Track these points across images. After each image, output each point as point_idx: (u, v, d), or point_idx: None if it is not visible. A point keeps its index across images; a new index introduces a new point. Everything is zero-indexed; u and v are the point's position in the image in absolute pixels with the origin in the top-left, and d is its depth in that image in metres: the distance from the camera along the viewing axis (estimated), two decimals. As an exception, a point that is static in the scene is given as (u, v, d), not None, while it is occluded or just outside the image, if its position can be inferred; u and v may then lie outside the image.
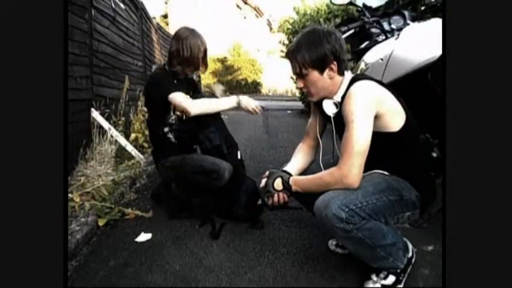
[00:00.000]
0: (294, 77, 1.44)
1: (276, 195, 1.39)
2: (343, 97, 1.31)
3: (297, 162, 1.51)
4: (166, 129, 1.98)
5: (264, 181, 1.43)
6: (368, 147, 1.20)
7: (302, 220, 1.96)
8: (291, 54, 1.34)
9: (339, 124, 1.31)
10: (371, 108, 1.22)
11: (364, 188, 1.22)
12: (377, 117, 1.24)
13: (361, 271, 1.40)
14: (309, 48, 1.29)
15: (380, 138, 1.25)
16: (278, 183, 1.39)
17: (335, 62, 1.30)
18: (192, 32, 1.98)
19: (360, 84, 1.27)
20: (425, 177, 1.40)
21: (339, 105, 1.32)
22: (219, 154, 1.95)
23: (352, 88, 1.27)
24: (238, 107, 1.96)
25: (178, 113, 1.99)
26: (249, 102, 1.98)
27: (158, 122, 2.01)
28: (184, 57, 1.94)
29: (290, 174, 1.42)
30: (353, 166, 1.19)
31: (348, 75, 1.36)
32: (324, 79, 1.32)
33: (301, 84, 1.37)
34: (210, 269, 1.52)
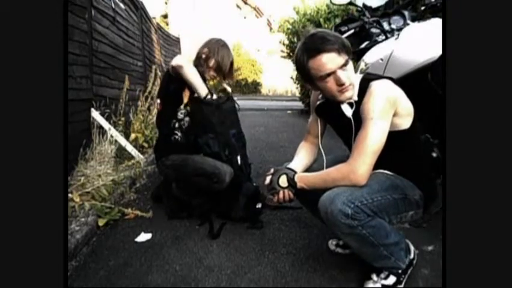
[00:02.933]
0: (331, 72, 1.23)
1: (281, 192, 1.37)
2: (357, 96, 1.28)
3: (300, 160, 1.48)
4: (175, 125, 2.00)
5: (268, 178, 1.41)
6: (382, 147, 1.20)
7: (302, 220, 1.96)
8: (327, 46, 1.20)
9: (343, 125, 1.31)
10: (391, 108, 1.21)
11: (369, 185, 1.22)
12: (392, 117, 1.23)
13: (361, 271, 1.40)
14: (335, 35, 1.24)
15: (388, 137, 1.23)
16: (283, 180, 1.37)
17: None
18: (225, 44, 2.08)
19: (381, 83, 1.25)
20: (427, 176, 1.40)
21: (355, 104, 1.29)
22: (218, 160, 1.95)
23: (373, 87, 1.24)
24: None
25: (188, 107, 2.02)
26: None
27: (168, 114, 2.03)
28: (219, 66, 2.02)
29: (295, 172, 1.39)
30: (363, 163, 1.19)
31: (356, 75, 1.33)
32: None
33: (344, 78, 1.23)
34: (209, 269, 1.52)
